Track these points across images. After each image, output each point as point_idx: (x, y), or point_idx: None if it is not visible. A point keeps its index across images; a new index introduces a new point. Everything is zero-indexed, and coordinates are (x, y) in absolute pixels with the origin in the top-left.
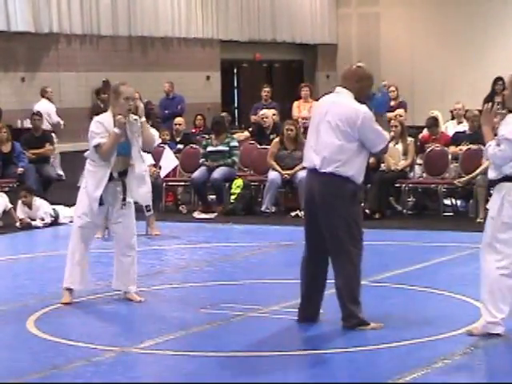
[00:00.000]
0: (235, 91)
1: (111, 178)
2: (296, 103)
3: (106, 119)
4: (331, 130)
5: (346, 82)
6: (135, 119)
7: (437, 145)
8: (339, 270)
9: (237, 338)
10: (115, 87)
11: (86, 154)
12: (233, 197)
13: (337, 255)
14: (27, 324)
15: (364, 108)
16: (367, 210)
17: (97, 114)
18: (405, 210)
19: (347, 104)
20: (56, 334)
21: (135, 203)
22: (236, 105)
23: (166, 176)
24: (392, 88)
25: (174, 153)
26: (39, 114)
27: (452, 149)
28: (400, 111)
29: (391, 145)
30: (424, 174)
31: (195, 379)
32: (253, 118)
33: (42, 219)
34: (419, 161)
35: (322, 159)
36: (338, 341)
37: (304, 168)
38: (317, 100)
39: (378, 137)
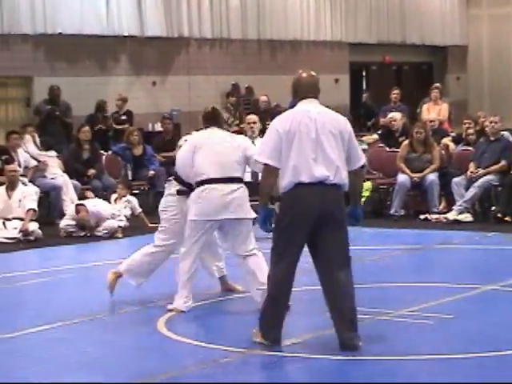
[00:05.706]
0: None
1: None
2: (425, 106)
3: None
4: (335, 140)
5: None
6: None
7: None
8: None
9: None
10: None
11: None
12: (362, 200)
13: (341, 269)
14: (157, 325)
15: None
16: (498, 214)
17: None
18: None
19: (333, 113)
20: (186, 335)
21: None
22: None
23: None
24: None
25: None
26: (170, 117)
27: None
28: None
29: None
30: None
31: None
32: (382, 120)
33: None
34: None
35: (336, 171)
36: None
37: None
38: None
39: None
